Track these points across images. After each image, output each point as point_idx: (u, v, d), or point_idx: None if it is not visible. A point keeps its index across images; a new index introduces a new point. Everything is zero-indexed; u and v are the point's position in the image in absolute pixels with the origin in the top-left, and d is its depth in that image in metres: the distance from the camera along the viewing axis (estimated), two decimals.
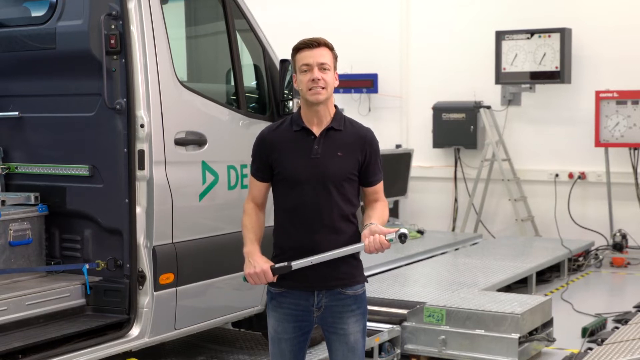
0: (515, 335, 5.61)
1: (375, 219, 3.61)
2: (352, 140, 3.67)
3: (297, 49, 3.63)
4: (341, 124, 3.69)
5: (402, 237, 3.43)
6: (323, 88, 3.57)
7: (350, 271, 3.68)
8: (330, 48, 3.64)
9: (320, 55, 3.58)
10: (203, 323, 4.89)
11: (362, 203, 3.78)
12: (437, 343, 5.79)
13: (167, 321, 4.60)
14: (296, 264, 3.56)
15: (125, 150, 4.43)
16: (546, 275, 8.52)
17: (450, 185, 10.58)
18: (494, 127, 10.11)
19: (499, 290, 6.93)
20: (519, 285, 7.81)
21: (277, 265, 3.59)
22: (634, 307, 7.26)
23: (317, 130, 3.66)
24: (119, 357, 4.46)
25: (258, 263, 3.58)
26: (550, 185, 10.00)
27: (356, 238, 3.63)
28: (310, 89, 3.57)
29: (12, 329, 4.21)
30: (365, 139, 3.69)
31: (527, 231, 9.94)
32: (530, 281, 7.87)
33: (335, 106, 3.74)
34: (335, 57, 3.65)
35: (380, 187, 3.74)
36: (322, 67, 3.57)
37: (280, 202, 3.70)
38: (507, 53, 9.83)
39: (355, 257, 3.70)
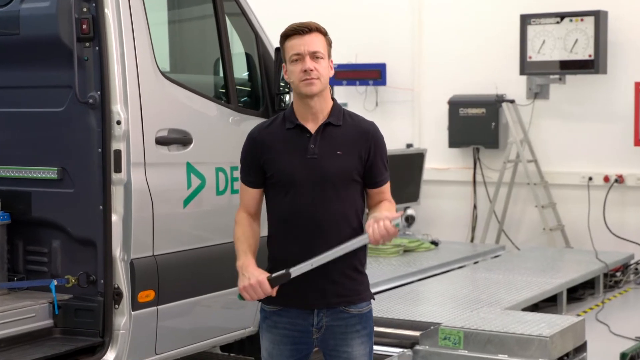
0: None
1: (379, 212, 3.63)
2: (353, 136, 3.69)
3: (286, 36, 3.64)
4: (340, 119, 3.71)
5: (410, 219, 3.44)
6: (317, 79, 3.59)
7: (354, 287, 3.70)
8: (324, 33, 3.66)
9: (312, 42, 3.60)
10: (188, 347, 4.90)
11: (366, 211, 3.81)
12: None
13: (146, 345, 4.61)
14: (295, 270, 3.57)
15: (100, 150, 4.45)
16: (579, 292, 8.52)
17: (469, 189, 10.60)
18: (519, 123, 10.13)
19: (525, 309, 6.94)
20: (547, 304, 7.82)
21: (274, 275, 3.60)
22: None
23: (312, 127, 3.68)
24: None
25: (253, 275, 3.60)
26: (583, 189, 10.01)
27: (361, 248, 3.65)
28: (302, 80, 3.59)
29: None
30: (368, 134, 3.71)
31: (556, 242, 9.95)
32: (561, 299, 7.87)
33: (333, 99, 3.76)
34: (329, 44, 3.67)
35: (386, 187, 3.76)
36: (314, 55, 3.60)
37: (274, 209, 3.73)
38: (534, 39, 9.84)
39: (360, 271, 3.72)
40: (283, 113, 3.76)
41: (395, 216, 3.49)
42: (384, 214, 3.52)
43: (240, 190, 3.83)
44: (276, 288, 3.60)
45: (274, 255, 3.73)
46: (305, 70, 3.58)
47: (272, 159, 3.68)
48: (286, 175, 3.65)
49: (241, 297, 3.64)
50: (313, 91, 3.61)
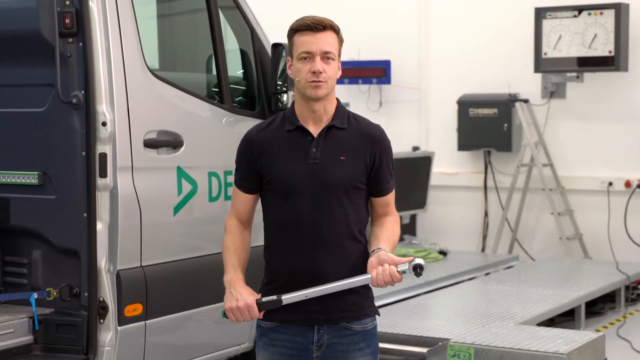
0: None
1: (385, 242, 3.63)
2: (358, 140, 3.70)
3: (297, 30, 3.65)
4: (344, 121, 3.71)
5: (418, 269, 3.47)
6: (324, 82, 3.60)
7: (358, 301, 3.70)
8: (337, 31, 3.66)
9: (325, 41, 3.60)
10: None
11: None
12: None
13: None
14: (287, 298, 3.59)
15: (84, 153, 4.46)
16: (598, 306, 8.52)
17: (480, 195, 10.60)
18: (533, 125, 10.13)
19: (540, 324, 6.94)
20: (564, 319, 7.82)
21: (264, 299, 3.62)
22: None
23: (315, 130, 3.69)
24: None
25: (241, 295, 3.61)
26: (603, 195, 10.00)
27: (365, 260, 3.66)
28: (309, 82, 3.60)
29: None
30: (374, 138, 3.72)
31: (574, 252, 9.95)
32: (579, 313, 7.87)
33: (337, 100, 3.76)
34: (341, 42, 3.68)
35: (391, 197, 3.77)
36: (325, 56, 3.60)
37: (271, 217, 3.73)
38: (549, 34, 9.85)
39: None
40: (283, 113, 3.76)
41: (402, 261, 3.50)
42: (389, 257, 3.52)
43: (233, 195, 3.83)
44: (263, 312, 3.63)
45: (271, 267, 3.73)
46: (314, 72, 3.59)
47: (270, 163, 3.68)
48: (285, 181, 3.65)
49: (225, 316, 3.66)
50: (319, 95, 3.62)
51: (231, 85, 5.17)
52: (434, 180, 10.42)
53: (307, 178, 3.63)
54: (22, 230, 4.73)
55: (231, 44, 5.32)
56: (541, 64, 9.90)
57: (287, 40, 3.70)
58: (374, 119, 3.90)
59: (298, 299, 3.59)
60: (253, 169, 3.72)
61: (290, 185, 3.64)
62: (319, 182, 3.63)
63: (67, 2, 4.42)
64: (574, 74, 9.84)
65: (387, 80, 10.84)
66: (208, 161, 4.98)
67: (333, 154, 3.66)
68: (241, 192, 3.78)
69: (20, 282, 4.77)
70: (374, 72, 10.82)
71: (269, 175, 3.68)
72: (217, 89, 5.15)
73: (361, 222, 3.71)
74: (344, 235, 3.65)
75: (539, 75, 10.00)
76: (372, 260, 3.56)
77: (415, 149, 10.65)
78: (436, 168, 10.45)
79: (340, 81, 10.74)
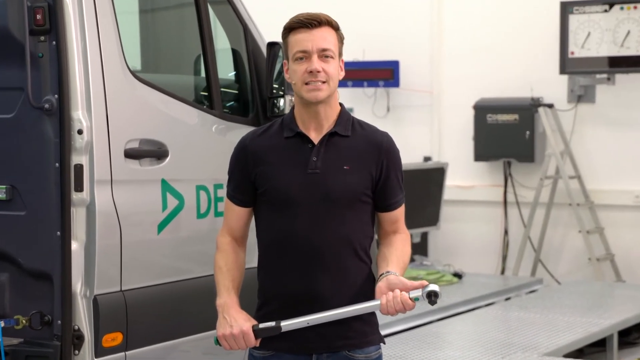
0: None
1: (394, 264, 3.64)
2: (363, 148, 3.72)
3: (290, 28, 3.68)
4: (348, 128, 3.74)
5: (432, 297, 3.49)
6: (324, 82, 3.62)
7: (361, 328, 3.72)
8: (335, 28, 3.69)
9: (321, 38, 3.63)
10: None
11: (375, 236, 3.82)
12: None
13: None
14: (287, 325, 3.60)
15: (57, 164, 4.46)
16: (632, 335, 8.52)
17: (499, 211, 10.60)
18: (558, 132, 10.15)
19: (567, 355, 6.94)
20: (594, 349, 7.82)
21: (261, 326, 3.63)
22: None
23: (315, 137, 3.71)
24: None
25: (236, 321, 3.63)
26: (636, 211, 10.01)
27: (370, 282, 3.67)
28: (306, 84, 3.62)
29: None
30: (381, 146, 3.74)
31: (604, 274, 9.95)
32: (611, 344, 7.87)
33: (341, 104, 3.78)
34: (341, 40, 3.71)
35: (400, 212, 3.78)
36: (323, 54, 3.63)
37: (265, 232, 3.75)
38: (577, 32, 9.87)
39: None
40: (282, 119, 3.79)
41: (414, 286, 3.51)
42: (401, 281, 3.54)
43: (225, 208, 3.84)
44: (260, 339, 3.64)
45: (265, 289, 3.74)
46: (310, 72, 3.60)
47: (265, 172, 3.70)
48: (282, 192, 3.67)
49: (218, 343, 3.67)
50: (318, 97, 3.64)
51: (222, 89, 5.18)
52: (447, 194, 10.43)
53: (305, 189, 3.65)
54: None
55: (222, 43, 5.33)
56: (567, 64, 9.92)
57: (282, 41, 3.73)
58: (380, 125, 3.91)
59: (299, 326, 3.60)
60: (247, 178, 3.73)
61: (287, 197, 3.66)
62: (319, 194, 3.64)
63: None
64: (605, 76, 9.85)
65: (396, 83, 10.87)
66: (196, 173, 4.98)
67: (335, 163, 3.68)
68: (234, 205, 3.80)
69: None
70: (380, 74, 10.84)
71: (264, 186, 3.70)
72: (206, 93, 5.16)
73: (366, 240, 3.72)
74: (346, 254, 3.66)
75: (565, 77, 10.02)
76: (381, 285, 3.56)
77: (427, 159, 10.68)
78: (450, 181, 10.47)
79: (343, 84, 10.85)
